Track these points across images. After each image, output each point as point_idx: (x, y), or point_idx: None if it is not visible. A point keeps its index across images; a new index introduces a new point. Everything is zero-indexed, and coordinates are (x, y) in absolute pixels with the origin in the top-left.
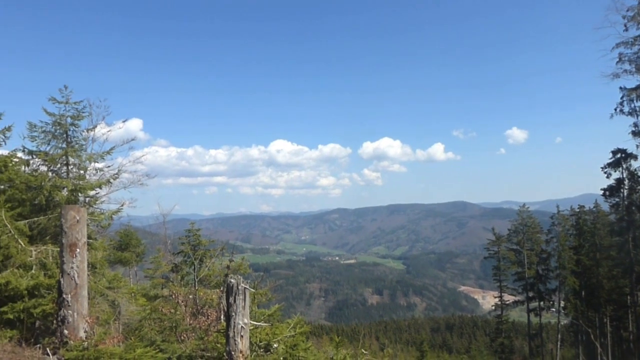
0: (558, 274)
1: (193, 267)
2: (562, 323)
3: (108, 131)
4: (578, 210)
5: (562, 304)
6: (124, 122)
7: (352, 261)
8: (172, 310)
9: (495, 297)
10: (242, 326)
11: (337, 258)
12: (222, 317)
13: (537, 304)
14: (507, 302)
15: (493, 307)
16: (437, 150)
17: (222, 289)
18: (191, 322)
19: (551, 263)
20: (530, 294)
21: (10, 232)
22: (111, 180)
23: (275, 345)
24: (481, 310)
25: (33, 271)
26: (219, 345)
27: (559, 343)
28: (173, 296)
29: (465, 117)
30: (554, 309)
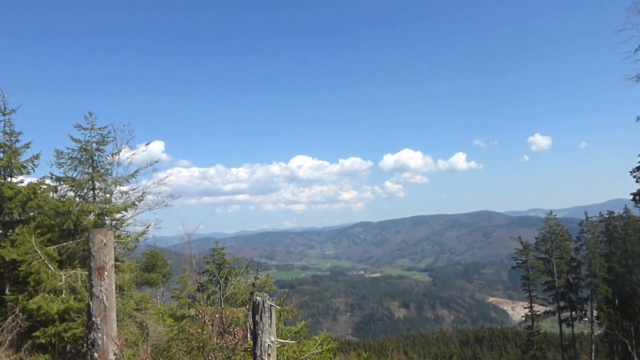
0: (589, 283)
1: (219, 286)
2: (595, 333)
3: (132, 155)
4: (607, 216)
5: (595, 313)
6: (147, 145)
7: (377, 275)
8: (199, 330)
9: (525, 308)
10: (269, 344)
11: (362, 272)
12: (248, 335)
13: (569, 314)
14: (538, 313)
15: (523, 318)
16: (459, 160)
17: (248, 307)
18: (218, 341)
19: (582, 271)
20: (562, 304)
21: (40, 257)
22: (136, 203)
23: None
24: (511, 322)
25: (63, 295)
26: None
27: (593, 354)
28: (200, 315)
29: (486, 125)
30: (586, 319)
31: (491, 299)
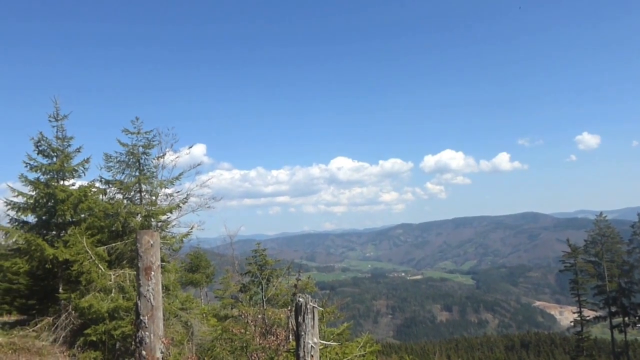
0: None
1: (261, 287)
2: None
3: (176, 158)
4: None
5: None
6: (189, 148)
7: (418, 277)
8: (242, 330)
9: (574, 313)
10: (312, 346)
11: (403, 274)
12: (291, 336)
13: (622, 320)
14: (588, 318)
15: (572, 324)
16: (502, 160)
17: (290, 308)
18: (261, 341)
19: (635, 275)
20: (613, 309)
21: (91, 257)
22: (180, 205)
23: None
24: (559, 327)
25: (112, 294)
26: None
27: None
28: (243, 316)
29: (530, 125)
30: None
31: (538, 303)
